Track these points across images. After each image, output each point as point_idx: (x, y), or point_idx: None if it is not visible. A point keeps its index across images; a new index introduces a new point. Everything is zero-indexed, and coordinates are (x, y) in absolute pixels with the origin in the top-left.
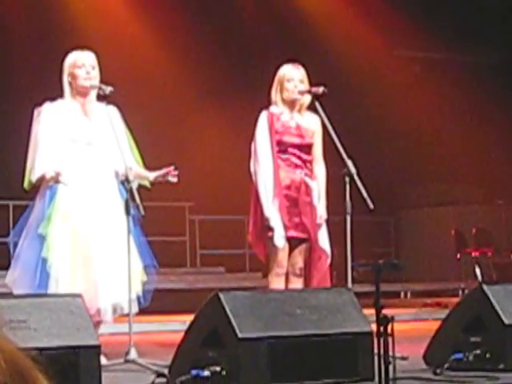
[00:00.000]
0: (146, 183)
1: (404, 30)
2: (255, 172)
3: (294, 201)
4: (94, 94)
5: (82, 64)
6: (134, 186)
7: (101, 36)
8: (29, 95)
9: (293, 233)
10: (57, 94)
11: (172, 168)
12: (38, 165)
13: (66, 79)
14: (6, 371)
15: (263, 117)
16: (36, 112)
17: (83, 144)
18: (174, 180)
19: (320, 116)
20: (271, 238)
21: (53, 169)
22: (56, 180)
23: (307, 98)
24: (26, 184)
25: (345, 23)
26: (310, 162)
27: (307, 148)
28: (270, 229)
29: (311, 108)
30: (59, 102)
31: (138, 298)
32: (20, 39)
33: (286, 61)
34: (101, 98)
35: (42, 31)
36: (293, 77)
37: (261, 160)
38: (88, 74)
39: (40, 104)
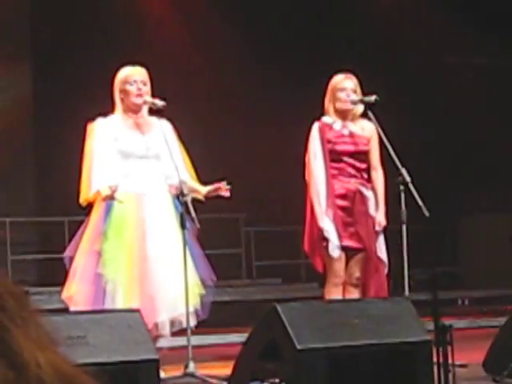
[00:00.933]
0: (200, 197)
1: (456, 34)
2: (309, 183)
3: (349, 210)
4: (145, 108)
5: (134, 80)
6: (189, 199)
7: (151, 49)
8: (81, 114)
9: (348, 242)
10: (109, 109)
11: (224, 183)
12: (94, 181)
13: (117, 95)
14: None
15: (315, 128)
16: (89, 128)
17: (137, 158)
18: (227, 195)
19: (374, 124)
20: (326, 249)
21: (108, 185)
22: (111, 197)
23: (360, 108)
24: (81, 200)
25: (395, 30)
26: (365, 170)
27: (362, 156)
28: (325, 239)
29: (364, 116)
30: (112, 117)
31: (196, 311)
32: (72, 55)
33: (338, 70)
34: (153, 112)
35: (92, 45)
36: (345, 86)
37: (314, 171)
38: (139, 91)
39: (92, 119)
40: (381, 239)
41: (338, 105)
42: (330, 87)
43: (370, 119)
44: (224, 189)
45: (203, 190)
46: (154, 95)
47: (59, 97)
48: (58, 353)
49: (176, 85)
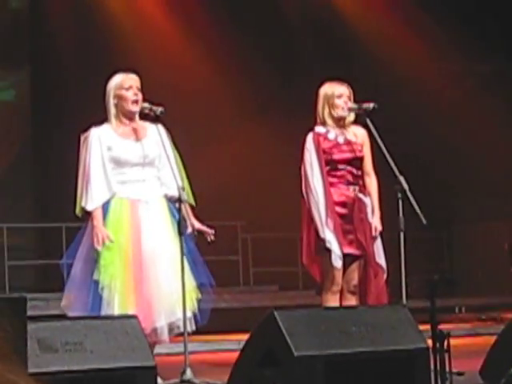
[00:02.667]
0: (191, 200)
1: (454, 42)
2: (307, 195)
3: (349, 218)
4: (137, 114)
5: (130, 86)
6: (186, 205)
7: (146, 54)
8: (79, 120)
9: (348, 250)
10: (102, 117)
11: (211, 232)
12: (94, 194)
13: (111, 101)
14: None
15: (309, 138)
16: (82, 138)
17: (132, 166)
18: (209, 239)
19: (367, 130)
20: (328, 259)
21: (101, 231)
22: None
23: (352, 115)
24: (77, 211)
25: (392, 37)
26: (361, 176)
27: (358, 162)
28: (327, 249)
29: (353, 123)
30: (105, 126)
31: (195, 317)
32: (69, 63)
33: (328, 78)
34: (151, 119)
35: (89, 51)
36: (342, 93)
37: (311, 182)
38: (136, 96)
39: (86, 130)
40: (378, 244)
41: (336, 112)
42: (323, 94)
43: (363, 126)
44: (209, 235)
45: (191, 219)
46: (146, 100)
47: (57, 103)
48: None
49: (170, 89)
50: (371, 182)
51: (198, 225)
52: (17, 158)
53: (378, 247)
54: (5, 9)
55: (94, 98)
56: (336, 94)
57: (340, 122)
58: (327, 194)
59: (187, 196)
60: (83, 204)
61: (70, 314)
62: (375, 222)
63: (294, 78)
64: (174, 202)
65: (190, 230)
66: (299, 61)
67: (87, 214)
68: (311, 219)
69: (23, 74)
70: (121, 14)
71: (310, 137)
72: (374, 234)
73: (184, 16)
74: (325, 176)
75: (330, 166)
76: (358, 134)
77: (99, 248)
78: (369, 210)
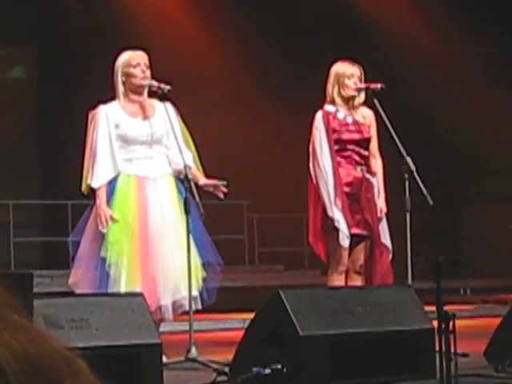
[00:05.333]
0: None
1: (465, 22)
2: (315, 173)
3: (356, 198)
4: (145, 91)
5: (137, 63)
6: (193, 184)
7: (156, 35)
8: (86, 97)
9: (355, 230)
10: (110, 94)
11: (224, 183)
12: (100, 172)
13: (119, 79)
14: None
15: (319, 117)
16: (90, 115)
17: (140, 143)
18: (221, 196)
19: (375, 111)
20: (336, 238)
21: (104, 211)
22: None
23: (362, 96)
24: (83, 188)
25: (401, 18)
26: (369, 157)
27: (366, 143)
28: (335, 229)
29: (365, 104)
30: (113, 103)
31: (201, 295)
32: (77, 37)
33: (340, 58)
34: (157, 96)
35: (97, 30)
36: (353, 73)
37: (320, 161)
38: (144, 73)
39: (94, 107)
40: (384, 225)
41: (346, 91)
42: (334, 73)
43: (370, 107)
44: (221, 189)
45: (201, 181)
46: (154, 78)
47: (64, 80)
48: (28, 333)
49: (182, 71)
50: (376, 163)
51: (206, 180)
52: (23, 135)
53: (384, 228)
54: None
55: (101, 75)
56: (347, 73)
57: (349, 102)
58: (336, 174)
59: (197, 170)
60: (89, 181)
61: (78, 291)
62: (380, 203)
63: (309, 61)
64: (182, 181)
65: (201, 210)
66: (309, 43)
67: (93, 192)
68: (318, 198)
69: (31, 50)
70: None
71: (319, 115)
72: (379, 215)
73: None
74: (334, 155)
75: (338, 145)
76: (366, 116)
77: (104, 230)
78: (375, 190)
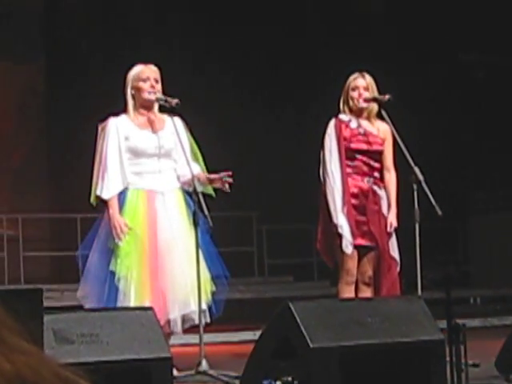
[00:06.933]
0: (211, 191)
1: (467, 31)
2: (324, 180)
3: (362, 209)
4: (156, 106)
5: (147, 77)
6: (202, 197)
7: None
8: (96, 109)
9: (361, 241)
10: (122, 107)
11: (225, 174)
12: (110, 183)
13: (129, 92)
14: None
15: (331, 125)
16: (100, 128)
17: (149, 156)
18: (226, 189)
19: (388, 124)
20: (340, 246)
21: (118, 221)
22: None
23: (375, 106)
24: (92, 199)
25: (404, 25)
26: (379, 169)
27: (376, 155)
28: (339, 236)
29: (380, 117)
30: (122, 116)
31: (210, 309)
32: (87, 53)
33: (354, 70)
34: (166, 110)
35: (106, 45)
36: (357, 85)
37: (329, 168)
38: (153, 88)
39: (103, 120)
40: (393, 240)
41: (351, 104)
42: (345, 86)
43: (383, 119)
44: (225, 180)
45: (207, 175)
46: (165, 94)
47: (73, 94)
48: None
49: (189, 84)
50: (390, 177)
51: (209, 176)
52: (33, 148)
53: (393, 242)
54: None
55: (112, 87)
56: (351, 85)
57: (361, 114)
58: (344, 182)
59: (206, 187)
60: (98, 192)
61: (87, 304)
62: (391, 217)
63: (312, 70)
64: (190, 194)
65: (210, 223)
66: (313, 49)
67: (103, 204)
68: (327, 205)
69: (40, 60)
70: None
71: (332, 123)
72: (389, 229)
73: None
74: (343, 163)
75: (347, 154)
76: (381, 129)
77: (121, 241)
78: (383, 202)
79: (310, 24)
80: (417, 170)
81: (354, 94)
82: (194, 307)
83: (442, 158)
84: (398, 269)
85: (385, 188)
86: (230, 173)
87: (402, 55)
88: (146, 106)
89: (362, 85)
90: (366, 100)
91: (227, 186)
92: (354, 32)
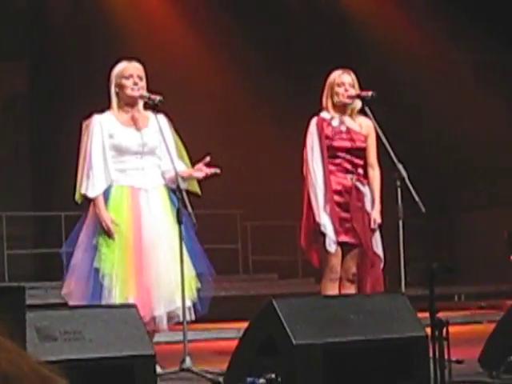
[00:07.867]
0: (197, 189)
1: (456, 30)
2: (306, 178)
3: (345, 206)
4: (141, 103)
5: (130, 74)
6: (185, 194)
7: (147, 44)
8: (79, 107)
9: (344, 238)
10: (105, 106)
11: (217, 171)
12: (96, 181)
13: (113, 90)
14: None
15: (313, 123)
16: (84, 125)
17: (133, 154)
18: (217, 171)
19: (372, 120)
20: (323, 244)
21: (106, 218)
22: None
23: (358, 103)
24: (77, 197)
25: (395, 26)
26: (362, 166)
27: (358, 152)
28: (322, 234)
29: (363, 113)
30: (107, 113)
31: (195, 306)
32: (67, 50)
33: (336, 67)
34: (150, 107)
35: (87, 42)
36: (343, 81)
37: (311, 166)
38: (136, 85)
39: (88, 117)
40: (377, 236)
41: (336, 99)
42: (327, 83)
43: (367, 115)
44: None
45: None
46: (149, 91)
47: (55, 92)
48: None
49: (176, 83)
50: (374, 174)
51: (192, 171)
52: (16, 146)
53: (377, 239)
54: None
55: (94, 85)
56: (337, 81)
57: (344, 110)
58: (326, 180)
59: (191, 184)
60: (83, 191)
61: (71, 301)
62: (374, 214)
63: (294, 66)
64: (174, 191)
65: (193, 221)
66: (299, 49)
67: (87, 202)
68: (310, 203)
69: (21, 64)
70: (121, 2)
71: (314, 121)
72: (372, 226)
73: (186, 8)
74: (325, 161)
75: (329, 152)
76: (364, 125)
77: (112, 238)
78: (367, 199)
79: (310, 24)
80: (400, 166)
81: (340, 90)
82: (179, 304)
83: (427, 155)
84: (382, 265)
85: (368, 185)
86: (218, 170)
87: (390, 54)
88: (130, 103)
89: (348, 81)
90: (351, 97)
91: (213, 170)
92: (347, 33)
